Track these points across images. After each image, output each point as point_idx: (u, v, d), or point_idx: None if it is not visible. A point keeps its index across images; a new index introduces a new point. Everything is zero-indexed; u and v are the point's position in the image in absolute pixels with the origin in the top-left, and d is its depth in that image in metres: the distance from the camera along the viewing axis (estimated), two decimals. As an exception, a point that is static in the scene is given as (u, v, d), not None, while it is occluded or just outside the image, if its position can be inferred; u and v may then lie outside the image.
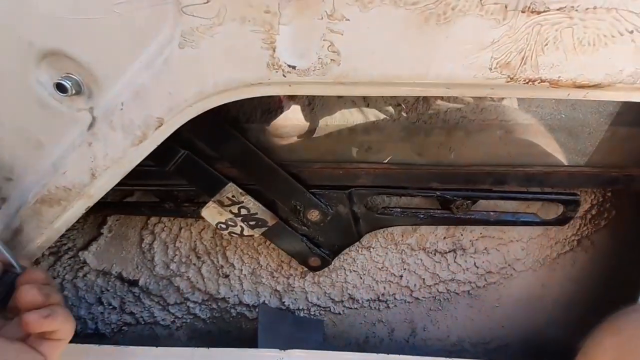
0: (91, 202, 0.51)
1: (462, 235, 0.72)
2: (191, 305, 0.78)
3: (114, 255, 0.75)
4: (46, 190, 0.50)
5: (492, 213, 0.65)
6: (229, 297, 0.77)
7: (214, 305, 0.78)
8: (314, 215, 0.63)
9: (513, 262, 0.73)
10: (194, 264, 0.75)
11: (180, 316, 0.79)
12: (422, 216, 0.65)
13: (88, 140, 0.46)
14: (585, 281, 0.73)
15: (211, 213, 0.63)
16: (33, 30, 0.41)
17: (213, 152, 0.58)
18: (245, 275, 0.75)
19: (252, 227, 0.65)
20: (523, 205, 0.68)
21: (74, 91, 0.44)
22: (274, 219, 0.64)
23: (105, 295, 0.78)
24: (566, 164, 0.63)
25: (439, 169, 0.62)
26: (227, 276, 0.76)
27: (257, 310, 0.76)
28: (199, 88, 0.43)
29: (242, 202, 0.62)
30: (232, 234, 0.66)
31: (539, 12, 0.38)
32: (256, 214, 0.64)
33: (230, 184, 0.61)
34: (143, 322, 0.80)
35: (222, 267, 0.75)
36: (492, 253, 0.73)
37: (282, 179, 0.60)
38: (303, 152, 0.62)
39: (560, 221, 0.65)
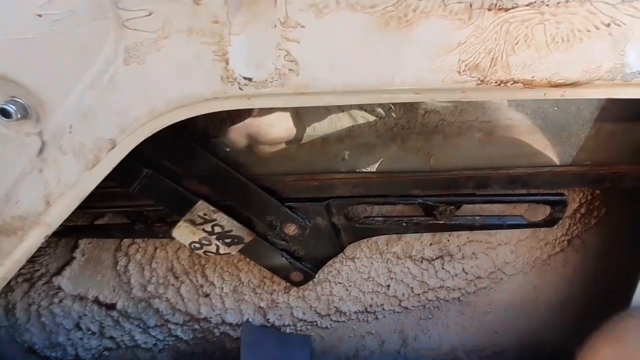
0: (50, 231, 0.48)
1: (448, 241, 0.70)
2: (172, 327, 0.75)
3: (89, 279, 0.72)
4: (1, 220, 0.47)
5: (477, 217, 0.63)
6: (211, 317, 0.74)
7: (196, 326, 0.75)
8: (291, 229, 0.60)
9: (503, 266, 0.71)
10: (173, 285, 0.72)
11: (161, 339, 0.76)
12: (405, 224, 0.63)
13: (39, 167, 0.43)
14: (578, 281, 0.71)
15: (183, 233, 0.60)
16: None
17: (179, 169, 0.56)
18: (226, 293, 0.73)
19: (228, 245, 0.62)
20: (509, 207, 0.66)
21: (19, 115, 0.41)
22: (250, 235, 0.61)
23: (83, 320, 0.75)
24: (552, 163, 0.61)
25: (419, 176, 0.59)
26: (207, 295, 0.73)
27: (240, 328, 0.73)
28: (150, 106, 0.40)
29: (215, 219, 0.59)
30: (208, 253, 0.63)
31: (506, 10, 0.35)
32: (231, 231, 0.61)
33: (201, 201, 0.58)
34: (124, 346, 0.77)
35: (202, 286, 0.72)
36: (481, 257, 0.70)
37: (255, 194, 0.57)
38: (276, 164, 0.60)
39: (549, 222, 0.63)
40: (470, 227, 0.63)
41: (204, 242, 0.61)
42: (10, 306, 0.75)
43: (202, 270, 0.71)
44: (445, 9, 0.35)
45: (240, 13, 0.35)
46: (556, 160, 0.60)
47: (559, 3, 0.35)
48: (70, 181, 0.44)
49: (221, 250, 0.62)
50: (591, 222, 0.68)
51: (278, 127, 0.57)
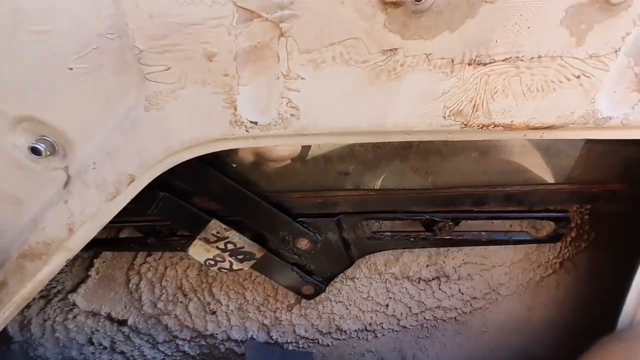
0: (71, 255, 0.52)
1: (444, 262, 0.72)
2: (180, 342, 0.78)
3: (102, 296, 0.76)
4: (27, 245, 0.51)
5: (484, 233, 0.65)
6: (217, 334, 0.77)
7: (203, 342, 0.78)
8: (303, 244, 0.62)
9: (497, 287, 0.74)
10: (181, 302, 0.76)
11: (170, 354, 0.79)
12: (412, 239, 0.65)
13: (64, 198, 0.48)
14: (570, 302, 0.73)
15: (198, 251, 0.64)
16: (5, 100, 0.43)
17: (192, 189, 0.59)
18: (232, 310, 0.76)
19: (240, 261, 0.65)
20: (507, 224, 0.68)
21: (48, 153, 0.46)
22: (261, 251, 0.64)
23: (95, 335, 0.79)
24: (546, 181, 0.63)
25: (420, 193, 0.62)
26: (214, 312, 0.76)
27: (245, 345, 0.76)
28: (166, 146, 0.44)
29: (228, 237, 0.63)
30: (222, 270, 0.66)
31: (485, 64, 0.39)
32: (243, 247, 0.64)
33: (214, 220, 0.61)
34: (134, 361, 0.80)
35: (209, 303, 0.76)
36: (476, 279, 0.73)
37: (267, 212, 0.60)
38: (284, 181, 0.62)
39: (553, 238, 0.65)
40: (477, 243, 0.66)
41: (217, 259, 0.64)
42: (26, 322, 0.79)
43: (209, 289, 0.75)
44: (429, 63, 0.39)
45: (248, 68, 0.40)
46: (551, 179, 0.63)
47: (532, 58, 0.39)
48: (92, 211, 0.48)
49: (234, 267, 0.65)
50: (581, 245, 0.71)
51: (283, 145, 0.60)
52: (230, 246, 0.64)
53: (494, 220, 0.67)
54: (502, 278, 0.73)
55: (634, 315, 0.55)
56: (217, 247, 0.64)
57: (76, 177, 0.47)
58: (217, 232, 0.62)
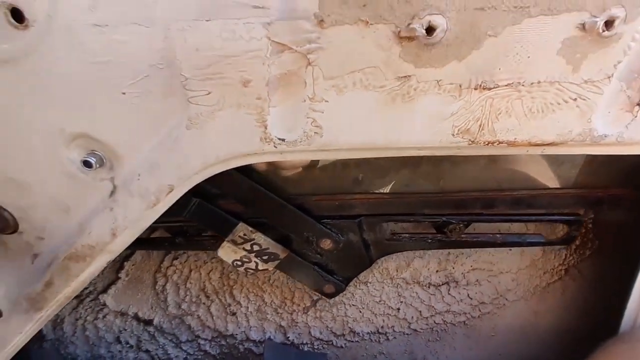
0: (112, 257, 0.58)
1: (453, 268, 0.76)
2: (202, 342, 0.83)
3: (130, 297, 0.82)
4: (73, 248, 0.57)
5: (498, 235, 0.68)
6: (236, 334, 0.81)
7: (223, 342, 0.83)
8: (326, 244, 0.66)
9: (505, 293, 0.77)
10: (204, 303, 0.81)
11: (191, 353, 0.84)
12: (430, 241, 0.68)
13: (110, 206, 0.54)
14: (576, 308, 0.76)
15: (226, 252, 0.68)
16: (64, 119, 0.49)
17: (223, 194, 0.63)
18: (251, 312, 0.80)
19: (265, 262, 0.69)
20: (514, 227, 0.71)
21: (97, 165, 0.52)
22: (284, 251, 0.68)
23: (123, 334, 0.84)
24: (553, 186, 0.65)
25: (430, 197, 0.65)
26: (234, 314, 0.81)
27: (263, 345, 0.81)
28: (203, 160, 0.50)
29: (254, 239, 0.67)
30: (248, 270, 0.70)
31: (489, 89, 0.44)
32: (267, 248, 0.68)
33: (241, 223, 0.65)
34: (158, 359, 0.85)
35: (229, 305, 0.80)
36: (484, 284, 0.76)
37: (292, 214, 0.63)
38: (308, 185, 0.66)
39: (566, 240, 0.68)
40: (492, 244, 0.69)
41: (244, 259, 0.69)
42: (59, 320, 0.85)
43: (230, 291, 0.80)
44: (439, 88, 0.44)
45: (278, 92, 0.45)
46: (556, 184, 0.66)
47: (532, 83, 0.44)
48: (134, 217, 0.54)
49: (260, 267, 0.70)
50: (586, 253, 0.74)
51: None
52: (256, 247, 0.68)
53: (506, 223, 0.69)
54: (509, 284, 0.76)
55: (636, 318, 0.58)
56: (244, 249, 0.68)
57: (122, 187, 0.52)
58: (244, 234, 0.67)
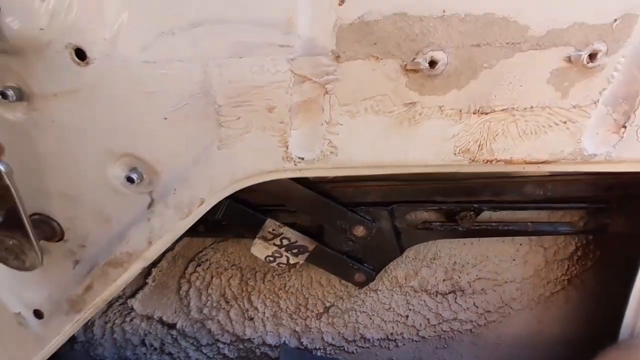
0: (146, 263, 0.64)
1: (460, 277, 0.80)
2: (221, 345, 0.88)
3: (156, 302, 0.88)
4: (113, 255, 0.63)
5: (529, 223, 0.69)
6: (254, 338, 0.86)
7: (241, 346, 0.87)
8: (359, 231, 0.67)
9: (510, 302, 0.80)
10: (224, 308, 0.86)
11: (211, 356, 0.89)
12: (460, 229, 0.69)
13: (147, 217, 0.60)
14: (579, 316, 0.79)
15: (258, 249, 0.73)
16: (113, 141, 0.56)
17: (256, 189, 0.62)
18: (267, 317, 0.85)
19: (295, 255, 0.73)
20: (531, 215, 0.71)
21: (138, 181, 0.58)
22: (312, 243, 0.72)
23: (148, 337, 0.90)
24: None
25: (445, 184, 0.65)
26: (252, 319, 0.86)
27: (278, 350, 0.85)
28: (232, 176, 0.56)
29: (282, 233, 0.71)
30: (280, 265, 0.74)
31: (486, 113, 0.50)
32: (296, 242, 0.72)
33: (269, 219, 0.70)
34: (179, 362, 0.90)
35: (247, 310, 0.86)
36: (489, 293, 0.80)
37: (324, 205, 0.66)
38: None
39: (596, 229, 0.68)
40: (524, 233, 0.70)
41: (276, 254, 0.73)
42: (89, 323, 0.91)
43: (248, 297, 0.85)
44: (442, 113, 0.50)
45: (299, 117, 0.52)
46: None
47: (525, 108, 0.49)
48: (169, 227, 0.60)
49: (291, 261, 0.73)
50: (588, 263, 0.77)
51: None
52: (285, 241, 0.72)
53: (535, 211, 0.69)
54: (514, 293, 0.79)
55: (634, 326, 0.61)
56: (274, 244, 0.72)
57: (159, 200, 0.59)
58: (273, 230, 0.71)
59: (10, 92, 0.52)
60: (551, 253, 0.77)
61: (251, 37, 0.47)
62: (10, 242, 0.58)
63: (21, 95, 0.52)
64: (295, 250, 0.73)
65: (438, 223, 0.71)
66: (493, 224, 0.70)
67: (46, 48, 0.48)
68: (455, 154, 0.52)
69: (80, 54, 0.48)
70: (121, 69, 0.49)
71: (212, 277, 0.85)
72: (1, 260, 0.61)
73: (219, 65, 0.48)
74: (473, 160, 0.52)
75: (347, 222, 0.68)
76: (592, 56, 0.45)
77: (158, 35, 0.48)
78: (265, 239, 0.72)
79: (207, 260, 0.83)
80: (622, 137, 0.50)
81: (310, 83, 0.49)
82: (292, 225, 0.72)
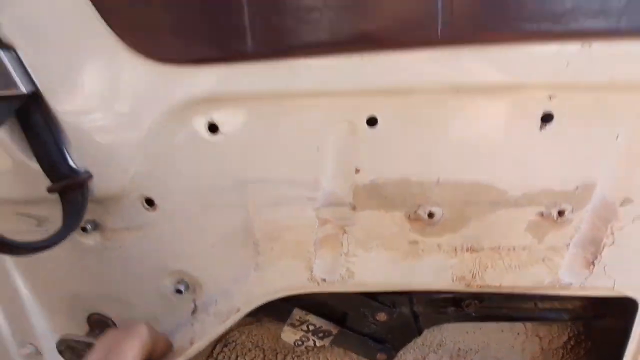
0: (187, 358, 0.74)
1: (463, 362, 0.88)
2: (244, 421, 0.95)
3: (185, 378, 0.96)
4: (158, 350, 0.73)
5: (537, 313, 0.76)
6: (274, 416, 0.94)
7: (263, 422, 0.95)
8: (381, 316, 0.76)
9: (510, 387, 0.87)
10: (247, 386, 0.94)
11: None
12: (473, 314, 0.76)
13: (191, 322, 0.71)
14: (576, 405, 0.85)
15: (288, 335, 0.82)
16: (169, 261, 0.68)
17: None
18: (287, 395, 0.93)
19: (321, 339, 0.82)
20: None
21: (185, 291, 0.70)
22: (335, 328, 0.80)
23: (176, 410, 0.97)
24: None
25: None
26: (273, 397, 0.94)
27: None
28: (264, 292, 0.67)
29: (308, 320, 0.80)
30: (308, 347, 0.83)
31: (477, 251, 0.60)
32: (321, 327, 0.80)
33: (296, 308, 0.79)
34: None
35: (269, 388, 0.93)
36: (491, 379, 0.87)
37: (349, 295, 0.72)
38: None
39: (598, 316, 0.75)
40: (531, 318, 0.78)
41: (303, 339, 0.82)
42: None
43: (270, 376, 0.93)
44: (440, 249, 0.61)
45: (322, 249, 0.63)
46: None
47: (509, 249, 0.59)
48: (208, 331, 0.70)
49: (317, 344, 0.82)
50: (580, 352, 0.85)
51: None
52: (311, 327, 0.80)
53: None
54: (513, 379, 0.87)
55: None
56: (301, 329, 0.81)
57: (201, 308, 0.70)
58: (299, 317, 0.80)
59: (89, 226, 0.65)
60: (546, 342, 0.84)
61: (286, 192, 0.59)
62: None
63: (96, 227, 0.65)
64: (320, 335, 0.82)
65: (452, 308, 0.79)
66: (499, 308, 0.79)
67: (123, 198, 0.60)
68: (452, 281, 0.62)
69: (150, 202, 0.61)
70: (181, 212, 0.61)
71: (237, 357, 0.93)
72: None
73: (260, 211, 0.60)
74: (468, 286, 0.62)
75: (370, 310, 0.77)
76: (561, 213, 0.56)
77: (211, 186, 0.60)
78: (293, 325, 0.81)
79: (233, 341, 0.92)
80: (592, 272, 0.59)
81: (331, 224, 0.61)
82: (318, 311, 0.81)
